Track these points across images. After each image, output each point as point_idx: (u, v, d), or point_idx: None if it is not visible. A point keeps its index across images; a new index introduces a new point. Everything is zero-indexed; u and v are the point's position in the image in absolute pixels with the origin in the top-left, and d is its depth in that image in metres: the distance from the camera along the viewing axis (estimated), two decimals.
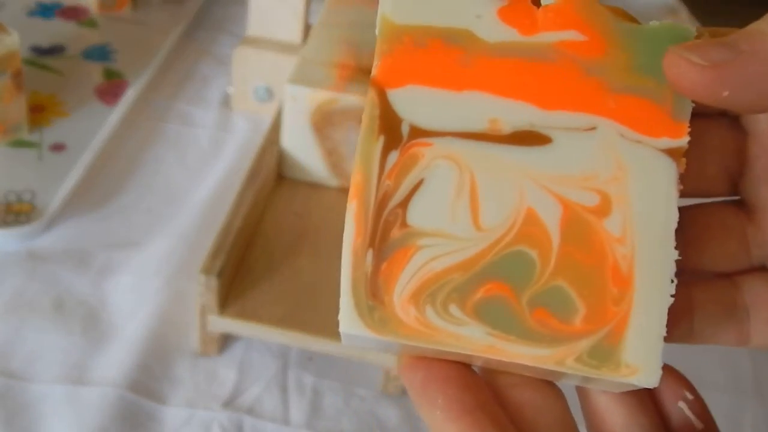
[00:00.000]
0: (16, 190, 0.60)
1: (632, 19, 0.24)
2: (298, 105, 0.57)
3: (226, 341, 0.53)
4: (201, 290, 0.49)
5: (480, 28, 0.24)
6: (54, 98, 0.69)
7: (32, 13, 0.80)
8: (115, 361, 0.51)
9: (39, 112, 0.67)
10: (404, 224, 0.23)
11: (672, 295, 0.23)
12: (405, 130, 0.23)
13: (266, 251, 0.54)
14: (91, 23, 0.80)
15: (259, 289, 0.52)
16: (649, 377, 0.23)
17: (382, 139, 0.23)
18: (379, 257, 0.23)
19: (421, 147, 0.23)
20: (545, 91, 0.24)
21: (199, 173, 0.66)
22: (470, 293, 0.23)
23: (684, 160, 0.23)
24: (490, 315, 0.23)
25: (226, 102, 0.73)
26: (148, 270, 0.57)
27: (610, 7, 0.24)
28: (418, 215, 0.23)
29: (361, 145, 0.23)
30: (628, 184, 0.23)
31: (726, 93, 0.21)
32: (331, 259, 0.55)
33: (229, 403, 0.50)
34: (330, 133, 0.58)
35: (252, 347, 0.53)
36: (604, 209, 0.23)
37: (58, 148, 0.64)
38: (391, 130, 0.23)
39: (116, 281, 0.56)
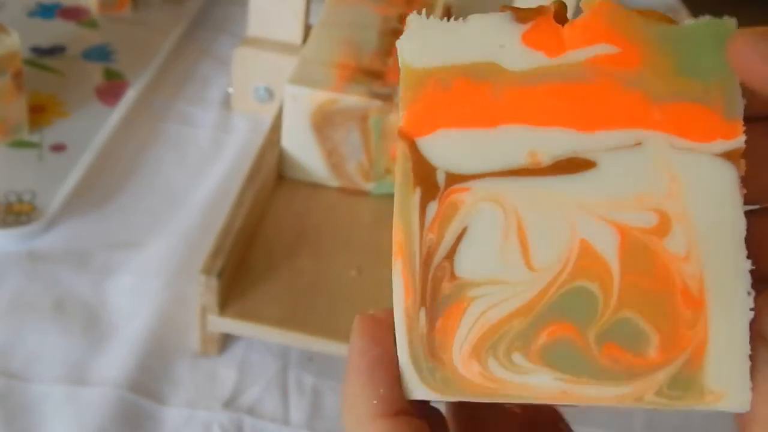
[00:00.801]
0: (17, 190, 0.60)
1: (667, 20, 0.22)
2: (298, 105, 0.57)
3: (226, 341, 0.53)
4: (201, 290, 0.49)
5: (505, 59, 0.23)
6: (54, 98, 0.69)
7: (32, 14, 0.80)
8: (115, 361, 0.51)
9: (39, 113, 0.67)
10: (453, 277, 0.22)
11: (751, 309, 0.21)
12: (441, 178, 0.22)
13: (266, 251, 0.54)
14: (92, 24, 0.80)
15: (259, 289, 0.52)
16: (738, 401, 0.21)
17: (418, 191, 0.22)
18: (433, 315, 0.22)
19: (459, 193, 0.22)
20: (583, 112, 0.22)
21: (199, 173, 0.66)
22: (533, 339, 0.22)
23: (743, 161, 0.22)
24: (557, 359, 0.22)
25: (226, 102, 0.73)
26: (149, 270, 0.57)
27: (641, 11, 0.22)
28: (466, 265, 0.22)
29: (398, 201, 0.22)
30: (685, 197, 0.22)
31: None
32: (332, 259, 0.55)
33: (230, 404, 0.50)
34: (330, 134, 0.58)
35: (252, 347, 0.53)
36: (663, 228, 0.22)
37: (58, 148, 0.64)
38: (427, 180, 0.22)
39: (116, 281, 0.56)
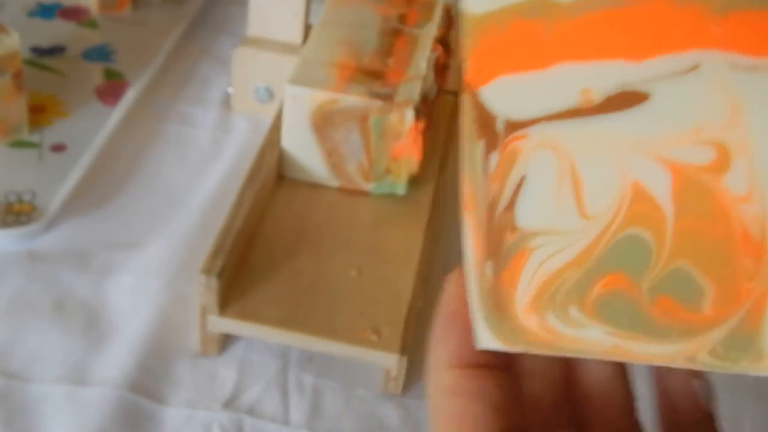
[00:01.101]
0: (17, 190, 0.60)
1: None
2: (298, 105, 0.57)
3: (226, 341, 0.53)
4: (201, 290, 0.49)
5: None
6: (54, 98, 0.69)
7: (32, 14, 0.80)
8: (116, 361, 0.51)
9: (39, 113, 0.67)
10: (515, 227, 0.21)
11: None
12: (500, 126, 0.21)
13: (266, 251, 0.54)
14: (92, 24, 0.80)
15: (259, 289, 0.52)
16: None
17: (482, 142, 0.21)
18: (498, 266, 0.21)
19: (517, 141, 0.21)
20: (635, 39, 0.20)
21: (199, 173, 0.66)
22: (587, 291, 0.20)
23: None
24: (610, 312, 0.20)
25: (226, 102, 0.73)
26: (149, 270, 0.57)
27: None
28: (525, 215, 0.21)
29: (464, 153, 0.21)
30: (747, 125, 0.19)
31: None
32: (332, 259, 0.55)
33: (230, 404, 0.50)
34: (330, 134, 0.58)
35: (252, 347, 0.53)
36: (721, 164, 0.19)
37: (58, 148, 0.64)
38: (488, 130, 0.21)
39: (116, 281, 0.56)
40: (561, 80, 0.21)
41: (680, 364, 0.20)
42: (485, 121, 0.21)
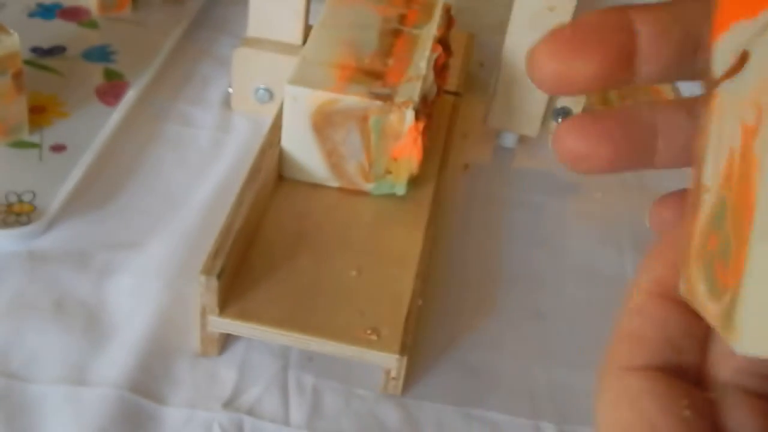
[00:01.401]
0: (17, 190, 0.60)
1: None
2: (298, 106, 0.57)
3: (226, 341, 0.53)
4: (201, 291, 0.49)
5: None
6: (55, 99, 0.69)
7: (33, 14, 0.80)
8: (116, 361, 0.51)
9: (39, 113, 0.67)
10: (701, 184, 0.22)
11: None
12: (709, 84, 0.21)
13: (266, 252, 0.54)
14: (92, 24, 0.80)
15: (259, 289, 0.52)
16: (754, 342, 0.18)
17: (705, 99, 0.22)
18: (691, 218, 0.22)
19: (711, 101, 0.21)
20: None
21: (199, 174, 0.66)
22: (703, 251, 0.21)
23: None
24: (706, 273, 0.21)
25: (226, 103, 0.73)
26: (149, 270, 0.57)
27: None
28: (706, 173, 0.21)
29: (702, 110, 0.22)
30: None
31: None
32: (332, 259, 0.55)
33: (230, 404, 0.50)
34: (330, 134, 0.58)
35: (252, 347, 0.53)
36: (756, 127, 0.19)
37: (58, 148, 0.64)
38: (708, 87, 0.21)
39: (117, 282, 0.56)
40: (729, 41, 0.21)
41: (716, 329, 0.21)
42: (708, 78, 0.22)
